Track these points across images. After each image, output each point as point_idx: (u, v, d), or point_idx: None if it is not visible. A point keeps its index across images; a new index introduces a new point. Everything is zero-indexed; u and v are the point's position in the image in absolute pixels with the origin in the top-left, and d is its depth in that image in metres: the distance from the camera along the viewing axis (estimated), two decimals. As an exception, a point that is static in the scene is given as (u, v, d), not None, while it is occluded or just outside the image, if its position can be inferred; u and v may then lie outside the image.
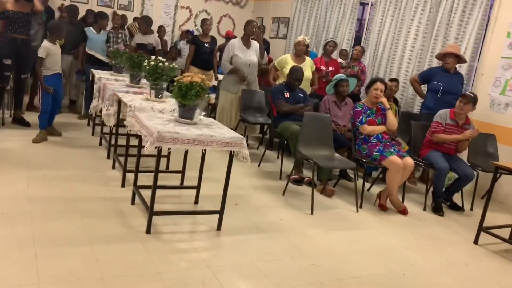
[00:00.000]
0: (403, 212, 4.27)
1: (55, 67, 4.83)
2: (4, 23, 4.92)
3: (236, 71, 5.62)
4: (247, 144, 3.47)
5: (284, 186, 4.40)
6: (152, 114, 3.39)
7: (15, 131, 5.07)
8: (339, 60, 6.93)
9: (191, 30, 9.36)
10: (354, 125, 4.47)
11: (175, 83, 3.14)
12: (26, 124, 5.28)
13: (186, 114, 3.20)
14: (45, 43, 4.71)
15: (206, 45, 6.73)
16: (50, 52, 4.73)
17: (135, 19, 8.75)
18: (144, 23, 6.62)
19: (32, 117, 5.52)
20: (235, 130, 5.80)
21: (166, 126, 2.99)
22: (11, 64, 5.00)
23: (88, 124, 5.88)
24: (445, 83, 5.17)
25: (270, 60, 7.12)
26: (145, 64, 3.96)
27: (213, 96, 7.34)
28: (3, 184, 3.50)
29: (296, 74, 5.18)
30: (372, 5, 7.42)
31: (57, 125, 5.30)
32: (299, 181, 4.78)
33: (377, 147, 4.31)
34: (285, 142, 5.09)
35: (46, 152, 4.52)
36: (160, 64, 3.92)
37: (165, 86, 4.08)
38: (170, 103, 4.00)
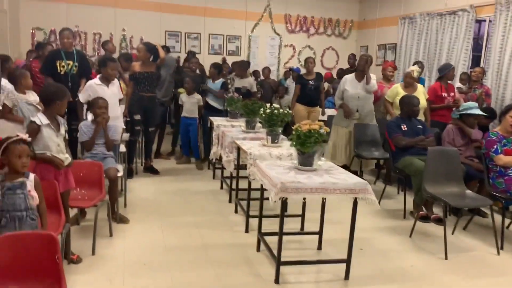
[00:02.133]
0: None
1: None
2: (133, 84, 5.50)
3: (343, 106, 5.57)
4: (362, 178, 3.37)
5: (410, 226, 4.14)
6: (272, 163, 3.46)
7: (147, 179, 5.55)
8: (458, 84, 6.46)
9: (294, 68, 9.51)
10: (488, 155, 4.09)
11: (293, 131, 3.19)
12: (155, 172, 5.76)
13: (305, 161, 3.21)
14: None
15: (311, 82, 6.76)
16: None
17: (234, 63, 9.09)
18: (240, 67, 6.87)
19: (160, 164, 6.05)
20: (349, 165, 5.70)
21: (287, 175, 3.03)
22: (140, 119, 5.54)
23: (209, 168, 6.22)
24: None
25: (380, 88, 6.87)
26: (261, 112, 4.10)
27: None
28: (142, 233, 3.82)
29: (410, 102, 4.95)
30: (490, 21, 6.87)
31: (178, 170, 5.71)
32: (425, 218, 4.48)
33: (516, 181, 3.88)
34: (406, 177, 4.83)
35: (175, 199, 4.85)
36: (275, 111, 4.03)
37: (280, 131, 4.16)
38: (286, 147, 4.08)
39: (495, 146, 4.04)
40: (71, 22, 8.92)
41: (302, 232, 3.98)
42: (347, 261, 3.15)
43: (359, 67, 5.74)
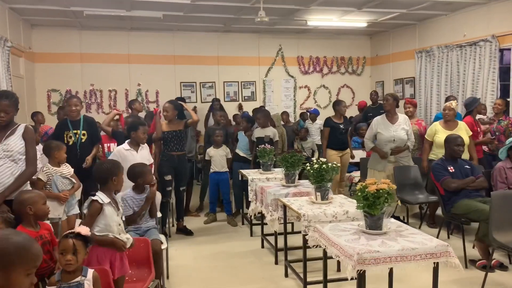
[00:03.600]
0: None
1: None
2: (162, 144, 5.31)
3: (377, 150, 5.34)
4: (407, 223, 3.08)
5: (475, 278, 3.82)
6: (335, 226, 3.19)
7: (182, 242, 5.25)
8: (479, 116, 6.25)
9: (312, 110, 9.34)
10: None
11: (358, 192, 2.94)
12: (189, 233, 5.48)
13: (374, 224, 2.94)
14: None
15: (341, 126, 6.55)
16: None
17: (254, 111, 8.92)
18: (264, 117, 6.67)
19: (190, 222, 5.79)
20: (394, 213, 5.40)
21: (359, 243, 2.76)
22: (171, 180, 5.32)
23: (243, 223, 5.93)
24: None
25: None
26: (308, 167, 3.87)
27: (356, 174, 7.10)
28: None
29: (453, 141, 4.73)
30: (516, 50, 6.77)
31: (211, 229, 5.45)
32: (485, 266, 4.15)
33: None
34: (464, 223, 4.53)
35: (218, 264, 4.54)
36: (324, 166, 3.80)
37: (329, 186, 3.92)
38: (338, 203, 3.83)
39: None
40: (85, 81, 8.95)
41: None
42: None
43: (387, 108, 5.55)
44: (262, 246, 5.02)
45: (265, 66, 10.00)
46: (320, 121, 8.82)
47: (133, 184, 3.69)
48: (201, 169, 6.76)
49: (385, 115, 5.60)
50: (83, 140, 4.87)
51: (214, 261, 4.65)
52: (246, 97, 9.93)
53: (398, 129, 5.47)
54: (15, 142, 3.26)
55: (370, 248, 2.66)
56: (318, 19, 8.31)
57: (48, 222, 3.01)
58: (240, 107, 9.66)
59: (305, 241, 3.63)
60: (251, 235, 5.44)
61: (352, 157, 6.82)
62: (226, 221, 5.98)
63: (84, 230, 2.30)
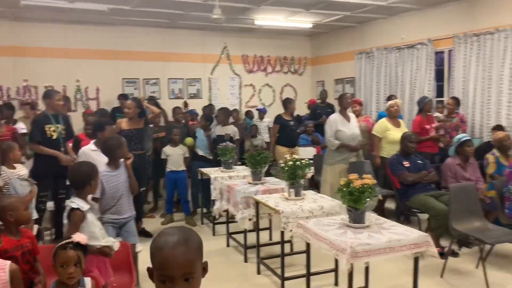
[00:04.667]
0: None
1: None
2: None
3: (346, 145, 5.51)
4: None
5: (432, 265, 4.13)
6: (318, 221, 3.28)
7: (144, 245, 5.07)
8: (436, 114, 6.74)
9: (261, 108, 9.47)
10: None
11: (342, 187, 3.05)
12: (149, 235, 5.30)
13: (358, 217, 3.07)
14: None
15: (291, 123, 6.70)
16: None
17: (203, 109, 8.81)
18: (223, 114, 6.65)
19: (147, 224, 5.61)
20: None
21: (347, 236, 2.87)
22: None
23: (202, 223, 5.87)
24: None
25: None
26: (283, 165, 3.93)
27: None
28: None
29: (409, 138, 5.05)
30: (450, 51, 7.32)
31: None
32: (442, 254, 4.49)
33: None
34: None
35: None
36: (298, 162, 3.88)
37: (302, 182, 4.01)
38: (311, 199, 3.93)
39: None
40: (18, 77, 8.28)
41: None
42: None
43: (345, 105, 5.74)
44: (228, 245, 5.00)
45: (211, 64, 9.92)
46: (268, 119, 8.97)
47: (108, 160, 3.52)
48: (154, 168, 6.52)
49: (339, 113, 5.77)
50: (63, 135, 4.69)
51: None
52: (192, 95, 9.78)
53: (354, 126, 5.71)
54: None
55: (360, 241, 2.78)
56: (266, 19, 8.41)
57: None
58: (185, 104, 9.49)
59: (282, 237, 3.70)
60: (214, 234, 5.40)
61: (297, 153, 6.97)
62: (185, 221, 5.88)
63: (82, 239, 2.16)
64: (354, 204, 3.02)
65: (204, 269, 1.34)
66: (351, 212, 3.08)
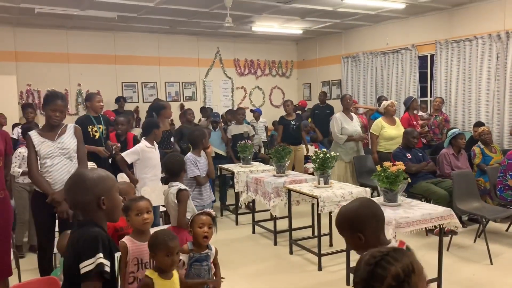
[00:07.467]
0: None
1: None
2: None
3: (351, 138, 6.17)
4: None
5: (436, 242, 4.78)
6: (356, 202, 3.85)
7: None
8: (420, 113, 7.50)
9: (256, 109, 9.99)
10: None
11: (379, 173, 3.65)
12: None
13: (392, 198, 3.68)
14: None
15: (292, 122, 7.26)
16: None
17: (201, 110, 9.29)
18: (238, 114, 7.16)
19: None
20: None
21: (386, 211, 3.46)
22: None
23: (222, 215, 6.33)
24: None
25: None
26: (314, 157, 4.49)
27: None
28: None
29: (412, 134, 5.72)
30: (432, 56, 8.12)
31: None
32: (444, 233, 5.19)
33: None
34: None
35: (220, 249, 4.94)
36: (327, 155, 4.46)
37: (330, 172, 4.58)
38: (338, 186, 4.51)
39: None
40: (22, 81, 8.45)
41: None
42: (438, 280, 3.64)
43: (345, 106, 6.41)
44: (253, 232, 5.51)
45: (205, 68, 10.37)
46: (264, 119, 9.51)
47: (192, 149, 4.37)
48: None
49: (342, 112, 6.43)
50: (104, 136, 5.04)
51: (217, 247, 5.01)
52: (187, 97, 10.20)
53: (356, 125, 6.37)
54: (69, 140, 3.35)
55: (400, 215, 3.38)
56: (262, 26, 8.95)
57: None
58: (182, 107, 9.88)
59: (319, 219, 4.25)
60: (237, 224, 5.89)
61: (308, 150, 7.58)
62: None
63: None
64: (390, 186, 3.62)
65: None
66: (387, 192, 3.68)
